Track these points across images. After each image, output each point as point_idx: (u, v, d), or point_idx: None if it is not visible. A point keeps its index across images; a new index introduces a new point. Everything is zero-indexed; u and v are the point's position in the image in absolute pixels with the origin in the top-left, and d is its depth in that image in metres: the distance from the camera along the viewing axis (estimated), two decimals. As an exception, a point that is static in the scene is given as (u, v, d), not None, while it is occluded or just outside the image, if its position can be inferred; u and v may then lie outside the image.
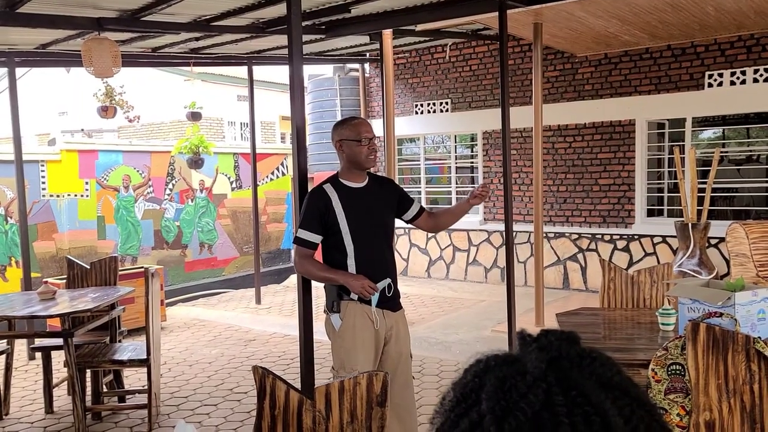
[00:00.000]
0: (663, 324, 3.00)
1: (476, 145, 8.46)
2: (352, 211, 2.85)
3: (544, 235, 7.02)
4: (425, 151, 9.03)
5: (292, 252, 9.85)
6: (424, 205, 8.95)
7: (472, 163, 8.67)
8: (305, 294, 3.20)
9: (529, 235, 7.68)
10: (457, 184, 8.74)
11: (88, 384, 4.21)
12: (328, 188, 2.87)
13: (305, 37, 6.26)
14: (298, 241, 2.88)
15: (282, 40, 6.40)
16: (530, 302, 6.04)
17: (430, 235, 8.79)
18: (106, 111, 6.79)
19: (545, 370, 0.56)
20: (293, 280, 9.16)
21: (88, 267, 4.84)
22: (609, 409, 0.54)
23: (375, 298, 2.82)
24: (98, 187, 7.78)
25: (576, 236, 7.69)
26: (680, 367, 2.27)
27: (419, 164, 9.02)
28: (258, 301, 7.76)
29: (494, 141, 8.20)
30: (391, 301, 2.92)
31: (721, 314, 2.54)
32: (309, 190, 2.97)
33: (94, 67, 5.06)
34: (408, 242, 8.97)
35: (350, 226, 2.83)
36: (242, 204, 9.36)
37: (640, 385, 0.60)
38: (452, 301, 7.32)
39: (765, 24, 6.16)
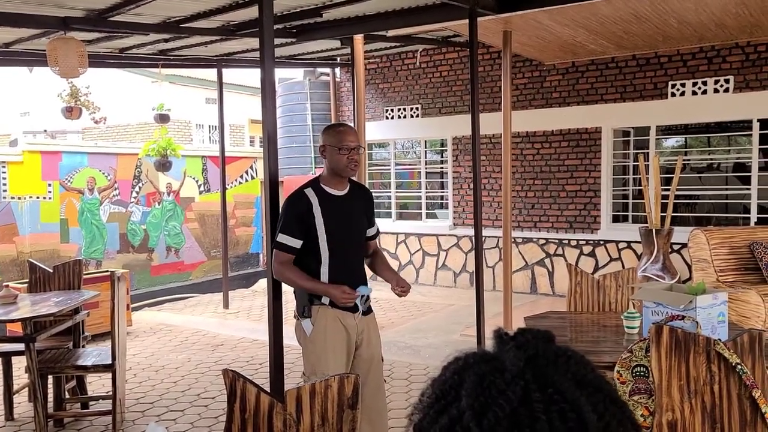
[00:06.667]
0: (628, 327, 3.06)
1: (446, 150, 8.53)
2: (332, 220, 2.82)
3: (513, 240, 7.11)
4: (395, 156, 9.06)
5: (260, 256, 9.81)
6: (393, 210, 8.98)
7: (441, 168, 8.74)
8: (275, 298, 3.18)
9: (498, 240, 7.76)
10: (427, 189, 8.79)
11: (51, 390, 4.11)
12: (310, 193, 2.84)
13: (276, 41, 6.24)
14: (278, 245, 2.82)
15: (252, 43, 6.36)
16: (499, 306, 6.10)
17: (400, 239, 8.83)
18: (71, 112, 6.66)
19: (523, 368, 0.57)
20: (262, 284, 9.08)
21: (51, 271, 4.73)
22: (584, 406, 0.55)
23: (360, 303, 2.82)
24: (62, 190, 7.61)
25: (543, 241, 7.80)
26: (644, 369, 2.32)
27: (389, 169, 9.05)
28: (226, 305, 7.68)
29: (464, 147, 8.28)
30: (359, 307, 2.92)
31: (684, 317, 2.61)
32: (288, 195, 2.94)
33: (60, 67, 4.96)
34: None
35: (328, 233, 2.81)
36: (210, 207, 9.26)
37: (612, 383, 0.62)
38: (421, 306, 7.35)
39: (725, 36, 6.36)
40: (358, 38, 6.29)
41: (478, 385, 0.57)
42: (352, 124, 7.17)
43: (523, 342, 0.61)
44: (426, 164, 8.81)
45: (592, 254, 7.48)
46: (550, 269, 7.76)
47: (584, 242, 7.53)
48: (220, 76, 7.70)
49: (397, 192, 9.03)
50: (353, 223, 2.92)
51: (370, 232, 3.08)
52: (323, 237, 2.80)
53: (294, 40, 6.27)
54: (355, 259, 2.94)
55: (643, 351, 2.34)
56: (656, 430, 2.25)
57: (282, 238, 2.81)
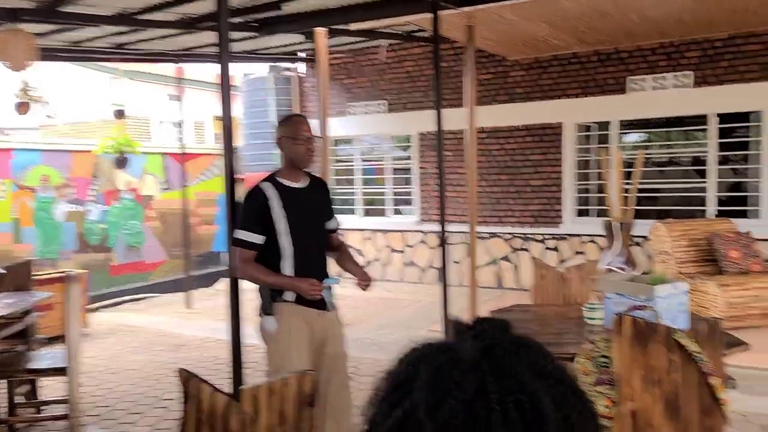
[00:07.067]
0: (589, 318, 3.09)
1: (411, 146, 8.51)
2: (292, 213, 2.77)
3: (478, 235, 7.13)
4: (361, 153, 9.00)
5: (222, 255, 9.64)
6: (359, 207, 8.93)
7: (407, 164, 8.72)
8: (234, 296, 3.10)
9: (464, 236, 7.78)
10: (393, 185, 8.75)
11: (2, 395, 3.96)
12: (268, 187, 2.78)
13: (238, 35, 6.13)
14: (237, 242, 2.73)
15: (213, 37, 6.23)
16: (465, 302, 6.11)
17: (366, 236, 8.79)
18: (21, 107, 6.43)
19: (480, 358, 0.55)
20: (225, 283, 8.93)
21: (3, 272, 4.55)
22: (542, 397, 0.53)
23: (327, 295, 2.79)
24: (15, 188, 7.35)
25: (509, 236, 7.84)
26: (608, 360, 2.33)
27: (354, 165, 8.99)
28: (188, 305, 7.53)
29: (430, 142, 8.27)
30: (326, 302, 2.87)
31: (644, 307, 2.63)
32: (247, 190, 2.86)
33: (10, 60, 4.77)
34: (343, 243, 8.92)
35: (290, 227, 2.75)
36: (171, 205, 9.06)
37: (572, 373, 0.60)
38: (388, 302, 7.32)
39: (684, 31, 6.47)
40: (321, 32, 6.21)
41: (433, 376, 0.54)
42: (316, 120, 7.09)
43: (481, 331, 0.59)
44: (392, 160, 8.78)
45: (556, 248, 7.55)
46: (516, 264, 7.81)
47: (549, 236, 7.59)
48: (179, 71, 7.54)
49: (363, 188, 8.98)
50: (314, 215, 2.88)
51: (331, 224, 3.04)
52: (285, 231, 2.75)
53: (256, 34, 6.16)
54: (318, 252, 2.89)
55: (605, 342, 2.35)
56: (618, 420, 2.26)
57: (242, 234, 2.74)
